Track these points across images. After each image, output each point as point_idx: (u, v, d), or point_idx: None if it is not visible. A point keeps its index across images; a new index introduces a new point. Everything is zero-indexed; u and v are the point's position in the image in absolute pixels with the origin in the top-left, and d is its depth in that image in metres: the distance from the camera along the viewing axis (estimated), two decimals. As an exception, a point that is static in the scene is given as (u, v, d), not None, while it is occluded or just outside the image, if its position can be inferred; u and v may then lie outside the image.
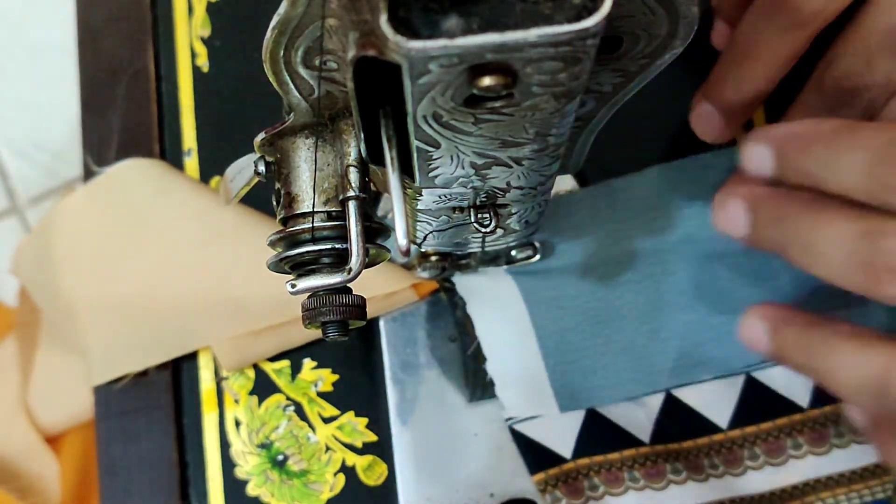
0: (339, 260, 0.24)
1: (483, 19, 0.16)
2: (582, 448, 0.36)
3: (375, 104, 0.21)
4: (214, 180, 0.40)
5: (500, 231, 0.29)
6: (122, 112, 0.40)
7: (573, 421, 0.36)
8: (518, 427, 0.36)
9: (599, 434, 0.36)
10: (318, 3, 0.19)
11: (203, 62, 0.40)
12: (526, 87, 0.18)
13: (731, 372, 0.36)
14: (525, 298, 0.37)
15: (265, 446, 0.37)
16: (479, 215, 0.26)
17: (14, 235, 0.64)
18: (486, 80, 0.17)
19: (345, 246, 0.24)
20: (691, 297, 0.37)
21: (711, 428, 0.36)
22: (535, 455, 0.36)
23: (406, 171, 0.23)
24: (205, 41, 0.41)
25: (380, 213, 0.36)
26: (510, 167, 0.23)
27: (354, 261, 0.23)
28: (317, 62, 0.21)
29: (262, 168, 0.25)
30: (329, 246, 0.24)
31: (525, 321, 0.37)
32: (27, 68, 0.64)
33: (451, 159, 0.22)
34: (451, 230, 0.29)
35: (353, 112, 0.21)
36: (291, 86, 0.22)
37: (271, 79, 0.22)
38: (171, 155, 0.40)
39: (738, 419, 0.36)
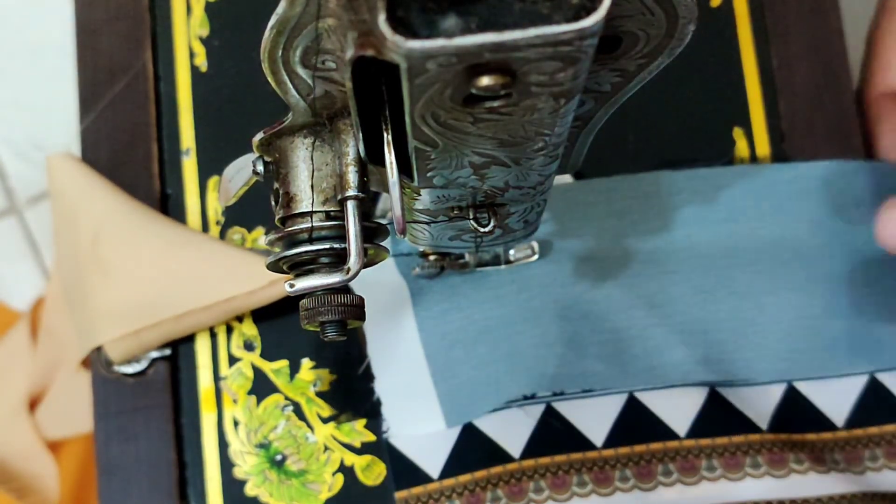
0: (338, 260, 0.24)
1: (481, 19, 0.16)
2: (450, 468, 0.35)
3: (374, 104, 0.21)
4: (213, 180, 0.40)
5: (498, 231, 0.29)
6: (121, 112, 0.40)
7: (447, 439, 0.36)
8: (393, 441, 0.36)
9: (471, 451, 0.36)
10: (316, 2, 0.19)
11: (201, 62, 0.40)
12: (524, 86, 0.18)
13: (611, 389, 0.36)
14: (416, 314, 0.37)
15: (263, 446, 0.37)
16: (478, 215, 0.26)
17: (13, 235, 0.64)
18: (485, 80, 0.17)
19: (343, 246, 0.24)
20: (582, 309, 0.37)
21: (588, 444, 0.36)
22: (404, 471, 0.36)
23: (404, 170, 0.23)
24: (203, 41, 0.41)
25: (378, 212, 0.36)
26: (509, 167, 0.23)
27: (353, 261, 0.23)
28: (315, 62, 0.21)
29: (260, 168, 0.25)
30: (327, 246, 0.24)
31: (414, 338, 0.36)
32: (26, 68, 0.64)
33: (450, 159, 0.22)
34: (450, 230, 0.29)
35: (352, 112, 0.21)
36: (290, 85, 0.22)
37: (269, 78, 0.22)
38: (169, 154, 0.40)
39: (614, 438, 0.36)
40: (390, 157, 0.21)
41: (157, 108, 0.40)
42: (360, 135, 0.22)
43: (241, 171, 0.26)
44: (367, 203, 0.24)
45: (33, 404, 0.47)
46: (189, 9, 0.41)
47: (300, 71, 0.21)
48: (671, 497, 0.35)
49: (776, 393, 0.36)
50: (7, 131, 0.62)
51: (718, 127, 0.39)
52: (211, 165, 0.40)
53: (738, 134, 0.39)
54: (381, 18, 0.15)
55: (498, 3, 0.16)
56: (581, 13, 0.16)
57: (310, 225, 0.24)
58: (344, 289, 0.24)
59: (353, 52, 0.17)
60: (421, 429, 0.36)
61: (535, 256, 0.37)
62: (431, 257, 0.36)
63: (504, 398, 0.36)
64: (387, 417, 0.36)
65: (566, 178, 0.38)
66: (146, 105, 0.40)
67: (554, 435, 0.36)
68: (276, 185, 0.25)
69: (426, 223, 0.28)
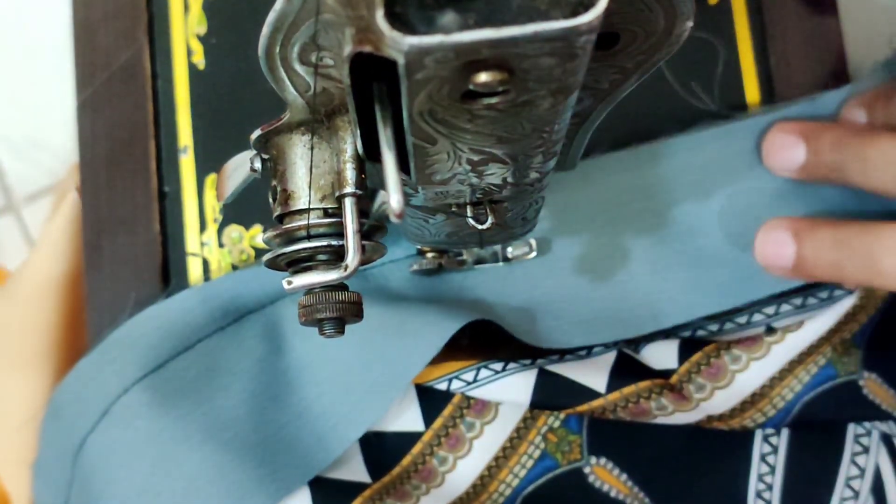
0: (336, 257, 0.24)
1: (479, 15, 0.16)
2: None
3: (372, 100, 0.21)
4: (210, 177, 0.40)
5: (496, 228, 0.29)
6: (118, 109, 0.40)
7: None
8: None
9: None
10: (314, -1, 0.19)
11: (199, 59, 0.40)
12: (522, 83, 0.18)
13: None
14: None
15: None
16: (476, 212, 0.26)
17: (10, 234, 0.64)
18: (483, 77, 0.17)
19: (341, 243, 0.24)
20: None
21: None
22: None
23: (402, 168, 0.23)
24: (201, 38, 0.41)
25: (376, 205, 0.36)
26: (507, 164, 0.23)
27: (351, 258, 0.23)
28: (313, 58, 0.21)
29: (257, 165, 0.25)
30: (325, 243, 0.24)
31: None
32: (23, 67, 0.64)
33: (448, 156, 0.22)
34: (448, 227, 0.29)
35: (350, 109, 0.21)
36: (287, 82, 0.22)
37: (267, 75, 0.22)
38: (166, 152, 0.40)
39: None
40: (387, 139, 0.21)
41: (155, 106, 0.40)
42: (358, 132, 0.22)
43: (239, 169, 0.26)
44: (365, 200, 0.24)
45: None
46: (186, 6, 0.41)
47: (298, 68, 0.21)
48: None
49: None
50: (5, 130, 0.62)
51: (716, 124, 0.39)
52: (208, 163, 0.40)
53: (735, 131, 0.39)
54: (379, 14, 0.15)
55: (496, -1, 0.16)
56: (579, 9, 0.16)
57: (307, 222, 0.24)
58: (341, 286, 0.24)
59: (350, 48, 0.17)
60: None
61: (534, 254, 0.37)
62: (429, 254, 0.36)
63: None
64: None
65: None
66: (144, 103, 0.40)
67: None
68: (273, 183, 0.25)
69: (424, 220, 0.28)
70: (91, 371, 0.36)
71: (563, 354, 0.36)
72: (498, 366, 0.35)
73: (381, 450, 0.35)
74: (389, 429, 0.36)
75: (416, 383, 0.35)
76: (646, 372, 0.35)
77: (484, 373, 0.35)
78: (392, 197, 0.20)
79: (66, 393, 0.37)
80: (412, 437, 0.35)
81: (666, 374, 0.35)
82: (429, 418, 0.35)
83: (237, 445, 0.34)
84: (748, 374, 0.35)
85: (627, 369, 0.35)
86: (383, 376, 0.34)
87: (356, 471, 0.35)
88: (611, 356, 0.36)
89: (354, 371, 0.35)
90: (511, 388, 0.35)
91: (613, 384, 0.35)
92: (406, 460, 0.35)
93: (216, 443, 0.34)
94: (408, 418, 0.35)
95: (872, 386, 0.35)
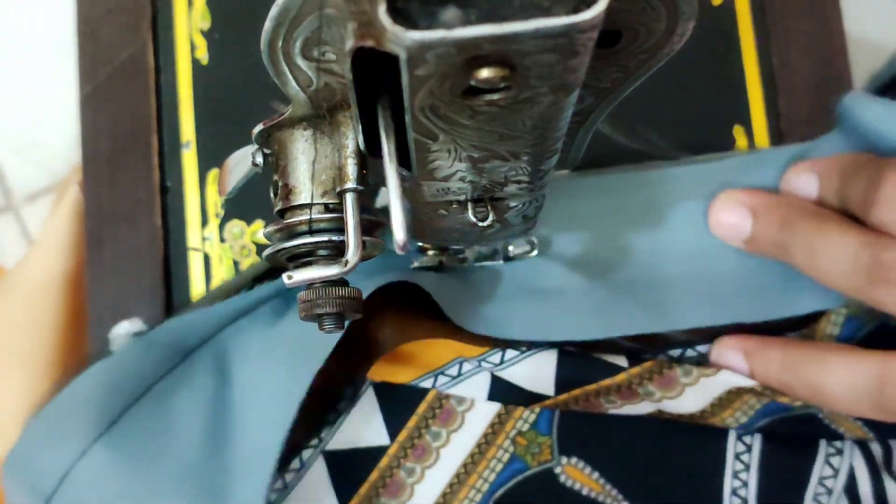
0: (336, 252, 0.24)
1: (481, 11, 0.16)
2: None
3: (374, 96, 0.21)
4: (213, 172, 0.40)
5: (497, 225, 0.29)
6: (121, 104, 0.40)
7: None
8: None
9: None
10: (316, -7, 0.19)
11: (202, 54, 0.40)
12: (524, 79, 0.18)
13: None
14: None
15: None
16: (477, 209, 0.26)
17: (10, 233, 0.64)
18: (484, 73, 0.17)
19: (341, 238, 0.24)
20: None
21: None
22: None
23: (404, 164, 0.23)
24: (204, 34, 0.41)
25: (378, 205, 0.36)
26: (508, 161, 0.23)
27: (351, 253, 0.23)
28: (315, 53, 0.21)
29: (259, 160, 0.25)
30: (326, 238, 0.24)
31: None
32: (23, 66, 0.64)
33: (449, 152, 0.22)
34: (448, 224, 0.29)
35: (352, 104, 0.21)
36: (290, 77, 0.22)
37: (270, 70, 0.22)
38: (169, 147, 0.40)
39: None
40: (389, 149, 0.21)
41: (158, 101, 0.40)
42: (360, 127, 0.22)
43: (241, 164, 0.26)
44: (366, 196, 0.24)
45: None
46: (190, 1, 0.41)
47: (300, 62, 0.21)
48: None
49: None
50: (5, 129, 0.62)
51: (719, 124, 0.39)
52: (211, 158, 0.40)
53: (738, 132, 0.39)
54: (381, 9, 0.15)
55: (498, -6, 0.16)
56: (581, 6, 0.16)
57: (308, 217, 0.24)
58: (341, 281, 0.24)
59: (352, 42, 0.17)
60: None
61: (535, 252, 0.37)
62: (430, 252, 0.36)
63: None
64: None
65: (565, 174, 0.38)
66: (146, 97, 0.40)
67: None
68: (275, 177, 0.25)
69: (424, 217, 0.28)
70: (45, 433, 0.35)
71: (506, 348, 0.36)
72: (454, 370, 0.35)
73: (348, 467, 0.35)
74: (355, 445, 0.35)
75: (392, 383, 0.35)
76: (593, 368, 0.35)
77: (441, 379, 0.35)
78: (396, 232, 0.20)
79: (22, 456, 0.35)
80: (378, 452, 0.35)
81: (615, 369, 0.35)
82: (393, 431, 0.35)
83: (206, 491, 0.33)
84: (697, 388, 0.35)
85: (574, 370, 0.35)
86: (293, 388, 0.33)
87: (324, 498, 0.35)
88: (552, 353, 0.35)
89: (279, 395, 0.34)
90: (470, 389, 0.35)
91: (560, 389, 0.35)
92: (374, 475, 0.35)
93: (186, 494, 0.33)
94: (372, 433, 0.35)
95: (833, 415, 0.34)
